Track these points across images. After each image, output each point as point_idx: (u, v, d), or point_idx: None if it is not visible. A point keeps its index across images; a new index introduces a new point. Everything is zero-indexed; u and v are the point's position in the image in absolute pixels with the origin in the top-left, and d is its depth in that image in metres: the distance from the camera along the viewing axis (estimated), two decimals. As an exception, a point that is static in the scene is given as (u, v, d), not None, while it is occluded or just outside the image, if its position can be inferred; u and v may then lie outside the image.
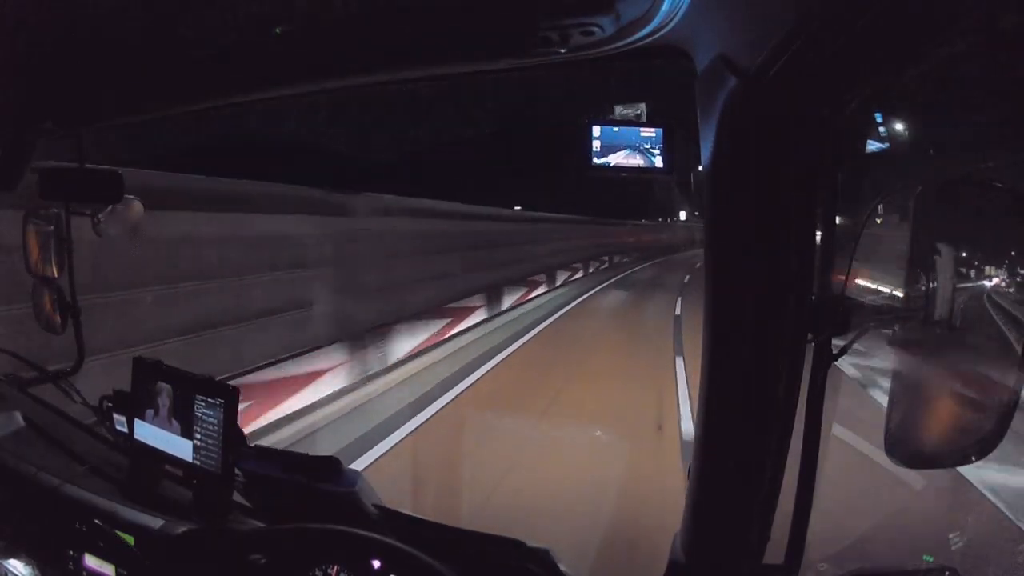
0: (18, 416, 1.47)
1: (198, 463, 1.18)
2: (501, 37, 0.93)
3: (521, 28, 0.88)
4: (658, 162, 0.99)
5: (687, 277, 17.62)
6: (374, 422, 4.82)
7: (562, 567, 1.01)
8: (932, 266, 0.75)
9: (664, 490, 3.47)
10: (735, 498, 0.81)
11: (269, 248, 4.97)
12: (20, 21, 0.94)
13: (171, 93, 1.27)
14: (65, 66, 1.10)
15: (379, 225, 6.70)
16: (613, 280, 17.70)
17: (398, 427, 4.73)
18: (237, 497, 1.22)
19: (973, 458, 0.73)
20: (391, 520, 1.12)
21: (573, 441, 4.60)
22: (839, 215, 0.73)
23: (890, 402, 0.78)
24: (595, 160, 1.00)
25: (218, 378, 1.17)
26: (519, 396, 5.82)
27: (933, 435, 0.77)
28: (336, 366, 5.46)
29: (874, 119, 0.82)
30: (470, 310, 9.11)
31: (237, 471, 1.18)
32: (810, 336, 0.74)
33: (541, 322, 9.81)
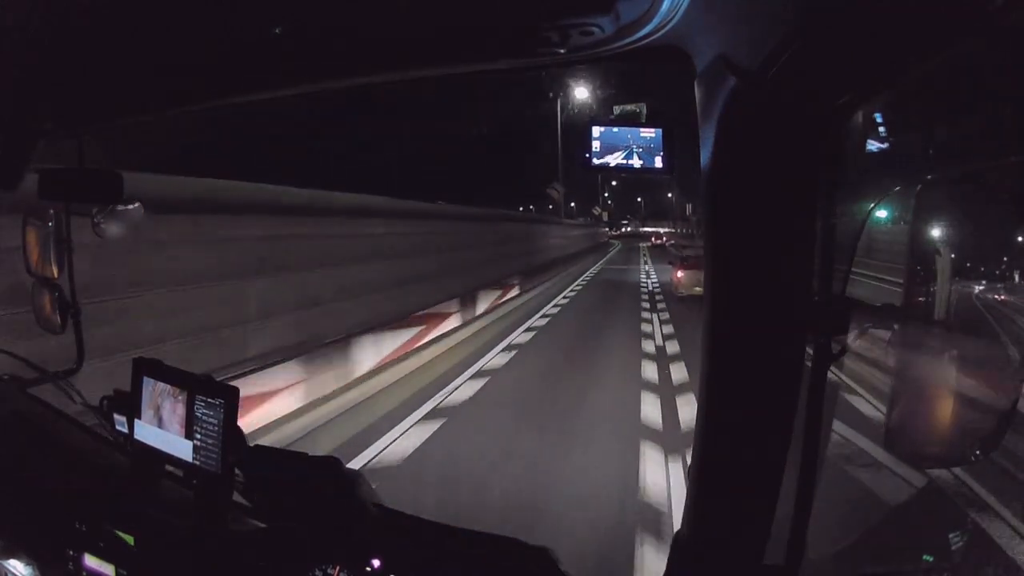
0: (18, 416, 1.47)
1: (198, 463, 1.18)
2: (501, 37, 0.93)
3: (521, 28, 0.88)
4: (658, 162, 0.99)
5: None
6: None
7: (562, 567, 1.01)
8: (932, 266, 0.75)
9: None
10: (735, 498, 0.81)
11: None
12: (20, 21, 0.94)
13: (171, 93, 1.27)
14: (65, 66, 1.10)
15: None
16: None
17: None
18: (237, 497, 1.22)
19: (973, 458, 0.73)
20: (391, 520, 1.12)
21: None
22: (839, 215, 0.73)
23: (890, 402, 0.78)
24: (595, 160, 1.00)
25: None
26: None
27: (933, 435, 0.77)
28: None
29: (874, 119, 0.82)
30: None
31: (237, 471, 1.18)
32: (810, 336, 0.74)
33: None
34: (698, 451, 0.82)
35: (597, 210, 41.38)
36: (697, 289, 12.96)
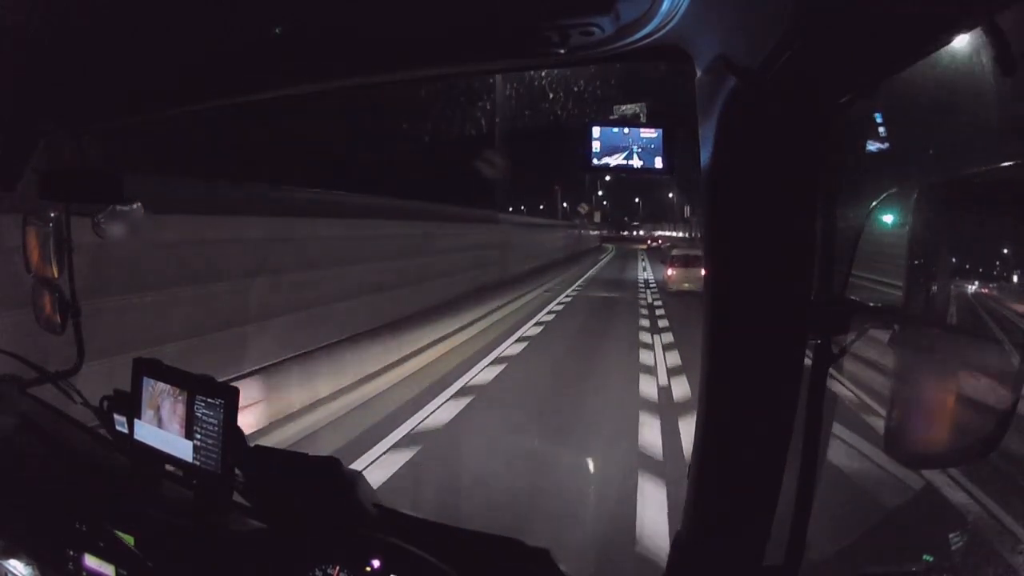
0: (18, 416, 1.47)
1: (198, 463, 1.18)
2: (501, 37, 0.93)
3: (521, 28, 0.88)
4: (658, 162, 0.99)
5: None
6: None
7: (562, 567, 1.01)
8: (932, 266, 0.75)
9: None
10: (735, 498, 0.81)
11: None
12: (20, 21, 0.94)
13: (171, 93, 1.27)
14: (65, 66, 1.10)
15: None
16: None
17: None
18: (237, 497, 1.22)
19: (973, 458, 0.73)
20: (391, 520, 1.12)
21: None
22: (839, 215, 0.73)
23: (890, 402, 0.78)
24: (595, 161, 1.00)
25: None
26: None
27: (933, 435, 0.77)
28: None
29: (874, 119, 0.82)
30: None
31: (237, 471, 1.18)
32: (810, 336, 0.74)
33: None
34: (698, 451, 0.82)
35: (584, 207, 33.65)
36: (687, 285, 14.01)
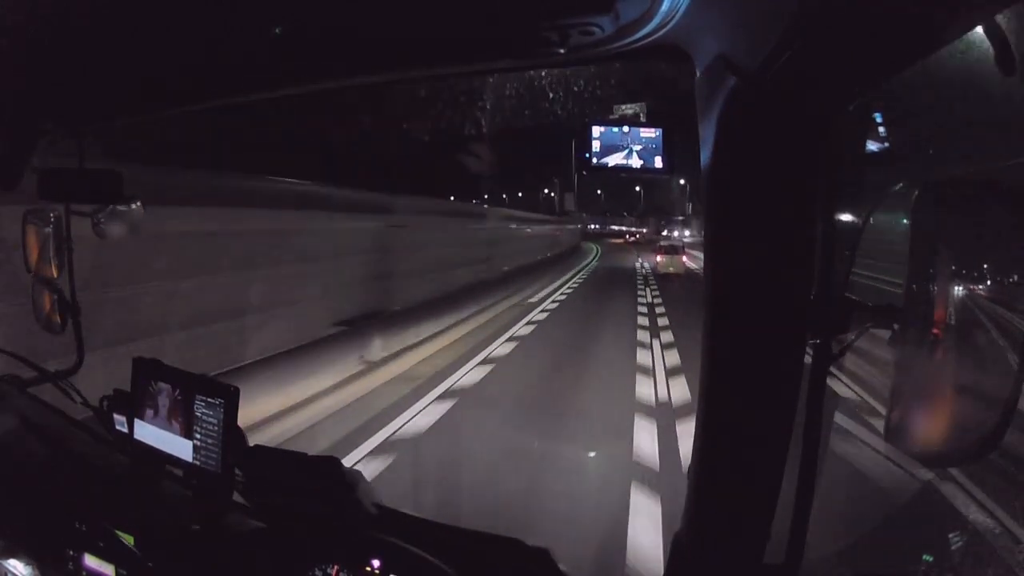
0: (18, 416, 1.47)
1: (198, 463, 1.18)
2: (501, 37, 0.93)
3: (521, 28, 0.88)
4: (658, 162, 0.99)
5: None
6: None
7: (562, 567, 1.01)
8: (932, 266, 0.75)
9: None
10: (735, 498, 0.81)
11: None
12: (20, 21, 0.94)
13: (171, 93, 1.27)
14: (65, 66, 1.10)
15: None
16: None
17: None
18: (237, 497, 1.22)
19: (973, 457, 0.73)
20: (391, 520, 1.12)
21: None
22: (839, 215, 0.73)
23: (891, 402, 0.78)
24: (595, 161, 1.01)
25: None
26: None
27: (934, 435, 0.77)
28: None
29: (874, 119, 0.82)
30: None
31: (237, 471, 1.18)
32: (810, 336, 0.74)
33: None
34: (698, 451, 0.82)
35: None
36: (671, 269, 18.43)
